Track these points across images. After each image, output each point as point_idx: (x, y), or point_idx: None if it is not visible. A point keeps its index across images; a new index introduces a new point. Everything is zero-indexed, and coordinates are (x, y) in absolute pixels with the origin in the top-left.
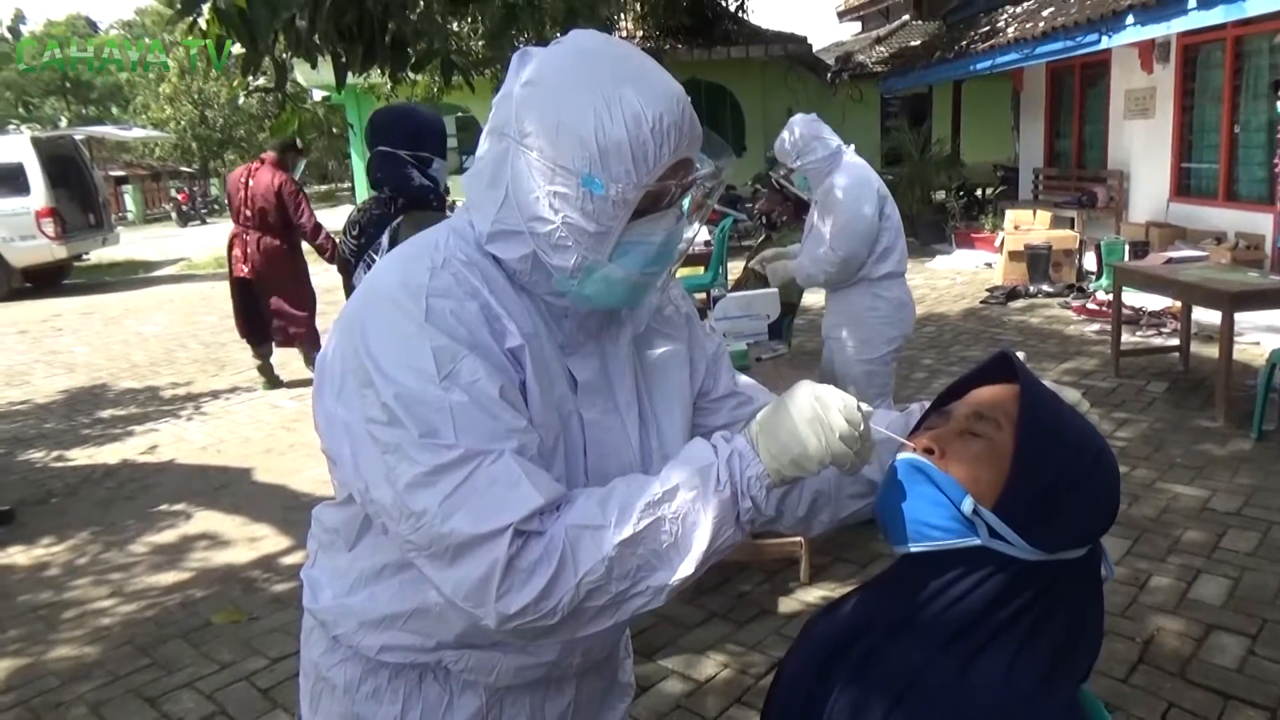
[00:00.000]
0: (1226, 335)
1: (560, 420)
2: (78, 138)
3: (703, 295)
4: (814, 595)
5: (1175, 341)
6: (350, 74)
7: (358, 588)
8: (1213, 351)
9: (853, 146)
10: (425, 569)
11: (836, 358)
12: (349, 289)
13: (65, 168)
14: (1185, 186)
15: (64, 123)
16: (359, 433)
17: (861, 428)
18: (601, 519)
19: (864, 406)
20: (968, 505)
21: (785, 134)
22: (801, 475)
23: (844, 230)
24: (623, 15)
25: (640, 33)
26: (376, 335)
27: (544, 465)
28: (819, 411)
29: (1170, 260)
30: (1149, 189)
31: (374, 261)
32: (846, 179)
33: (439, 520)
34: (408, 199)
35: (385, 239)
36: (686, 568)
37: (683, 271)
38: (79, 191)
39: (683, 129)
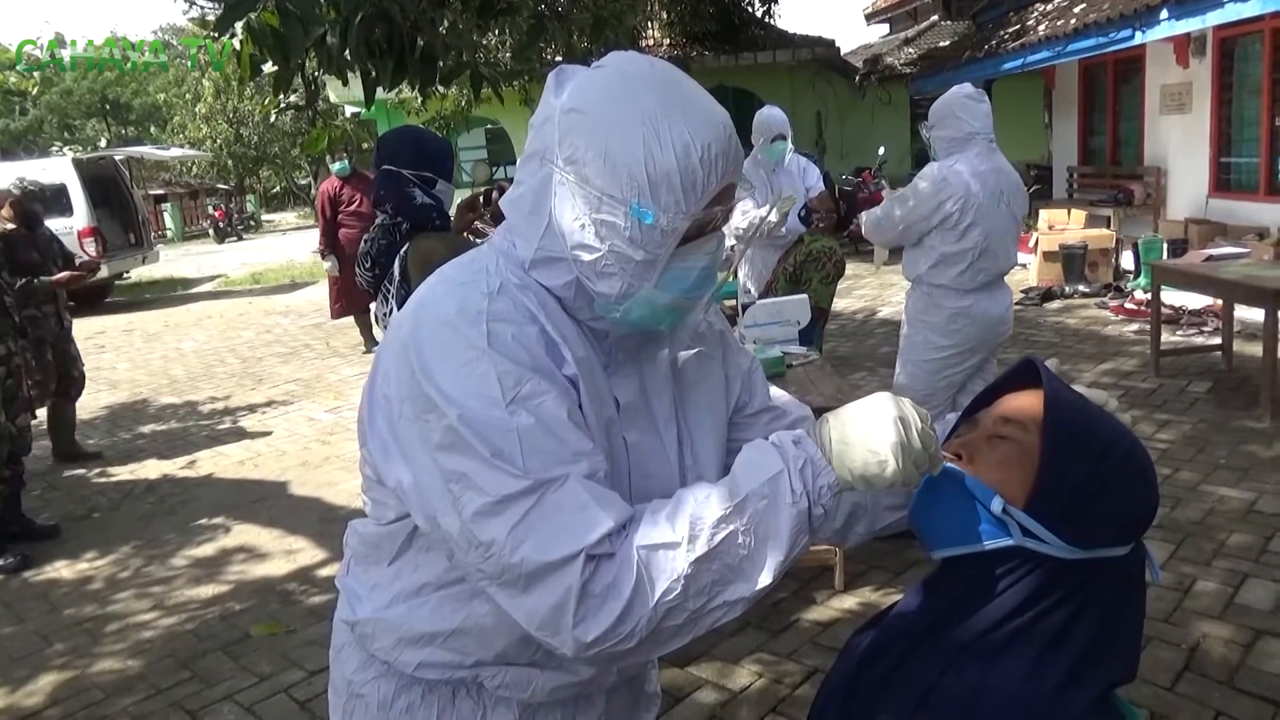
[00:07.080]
0: (1271, 333)
1: (608, 444)
2: (118, 158)
3: (732, 301)
4: (849, 603)
5: (1217, 340)
6: (380, 89)
7: (397, 603)
8: (1257, 350)
9: (970, 150)
10: (498, 598)
11: (900, 350)
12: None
13: (107, 188)
14: (1225, 182)
15: (104, 144)
16: (422, 462)
17: (933, 449)
18: (673, 535)
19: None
20: (996, 505)
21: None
22: (867, 490)
23: (907, 204)
24: (650, 24)
25: (667, 40)
26: (436, 361)
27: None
28: (902, 435)
29: (1210, 258)
30: (1187, 185)
31: (389, 291)
32: (946, 169)
33: (508, 550)
34: (409, 219)
35: (396, 268)
36: (764, 579)
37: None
38: (120, 211)
39: (729, 156)
